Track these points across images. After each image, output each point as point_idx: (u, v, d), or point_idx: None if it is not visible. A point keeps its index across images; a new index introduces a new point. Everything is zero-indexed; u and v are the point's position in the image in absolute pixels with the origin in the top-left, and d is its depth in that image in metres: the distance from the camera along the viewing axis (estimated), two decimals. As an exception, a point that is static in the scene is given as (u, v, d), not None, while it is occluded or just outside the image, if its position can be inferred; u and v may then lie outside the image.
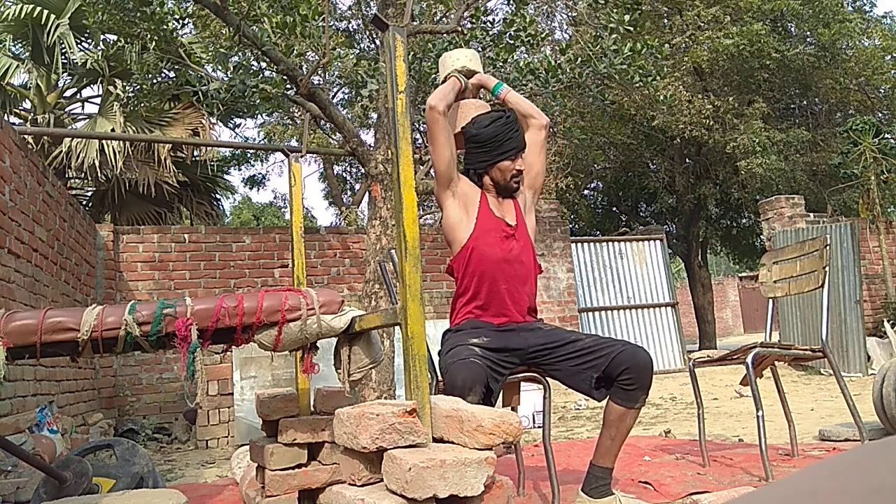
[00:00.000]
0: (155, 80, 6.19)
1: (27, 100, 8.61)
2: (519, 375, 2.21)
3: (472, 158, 2.31)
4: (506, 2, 10.18)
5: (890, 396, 2.96)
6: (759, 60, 9.38)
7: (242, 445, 4.11)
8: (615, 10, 5.53)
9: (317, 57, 6.02)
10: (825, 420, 4.13)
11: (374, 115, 6.15)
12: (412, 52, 5.97)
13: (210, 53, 8.10)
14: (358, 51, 10.65)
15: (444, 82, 2.37)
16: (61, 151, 7.72)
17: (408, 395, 1.52)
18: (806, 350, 2.77)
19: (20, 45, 8.52)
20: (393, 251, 2.52)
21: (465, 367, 1.95)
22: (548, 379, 2.24)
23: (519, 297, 2.22)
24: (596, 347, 2.10)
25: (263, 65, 5.51)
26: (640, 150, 11.24)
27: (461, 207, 2.27)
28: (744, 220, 13.14)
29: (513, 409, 2.39)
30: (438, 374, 2.30)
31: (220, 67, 6.81)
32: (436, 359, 2.30)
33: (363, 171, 5.75)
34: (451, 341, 2.16)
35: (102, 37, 7.81)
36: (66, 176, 8.31)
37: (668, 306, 8.40)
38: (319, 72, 5.73)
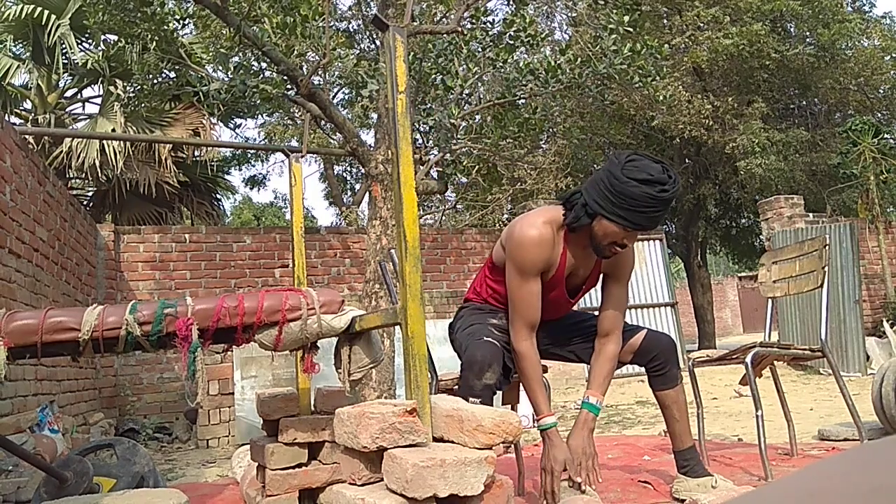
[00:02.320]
0: (155, 81, 6.20)
1: (28, 100, 8.62)
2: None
3: (595, 192, 1.88)
4: (506, 2, 10.19)
5: (889, 396, 2.96)
6: (759, 61, 9.38)
7: (243, 445, 4.12)
8: (615, 11, 5.53)
9: (317, 57, 6.03)
10: (824, 420, 4.13)
11: (375, 116, 6.16)
12: (412, 53, 5.98)
13: (210, 54, 8.11)
14: (358, 51, 10.66)
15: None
16: (62, 151, 7.72)
17: (408, 394, 1.53)
18: (805, 350, 2.77)
19: (21, 45, 8.53)
20: (393, 251, 2.52)
21: (485, 345, 1.97)
22: (547, 378, 2.26)
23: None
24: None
25: (264, 65, 5.52)
26: (639, 150, 11.23)
27: None
28: (743, 220, 13.14)
29: (513, 408, 2.40)
30: (438, 373, 2.31)
31: (220, 68, 6.82)
32: (436, 357, 2.30)
33: (363, 171, 5.76)
34: (469, 318, 2.15)
35: (103, 37, 7.81)
36: (67, 176, 8.32)
37: (667, 306, 8.40)
38: (320, 72, 5.73)
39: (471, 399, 1.88)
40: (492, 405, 1.97)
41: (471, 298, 2.27)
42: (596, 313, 2.16)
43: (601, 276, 2.12)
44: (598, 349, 2.08)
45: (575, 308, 2.28)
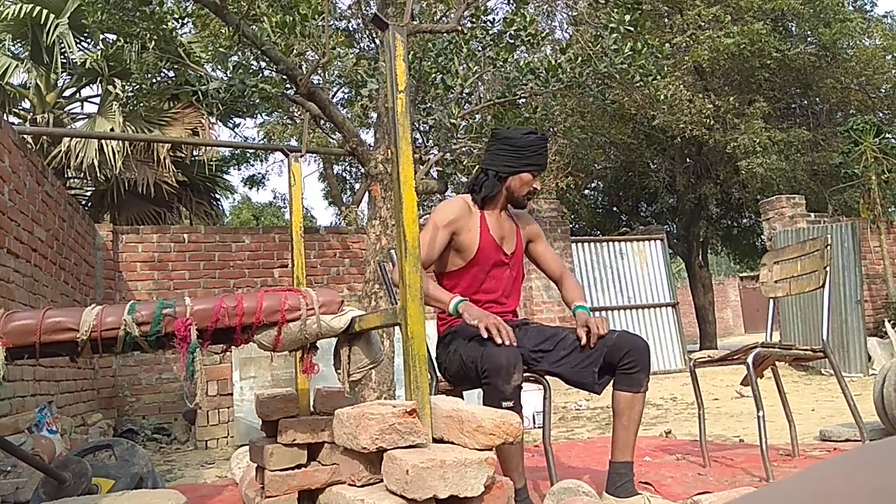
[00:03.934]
0: (154, 80, 6.19)
1: (26, 99, 8.60)
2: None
3: (499, 160, 2.27)
4: (506, 1, 10.18)
5: (891, 396, 2.95)
6: (760, 60, 9.37)
7: (242, 446, 4.10)
8: (615, 10, 5.52)
9: (316, 56, 6.02)
10: (826, 420, 4.12)
11: (374, 115, 6.15)
12: (412, 52, 5.97)
13: (209, 53, 8.10)
14: (358, 50, 10.65)
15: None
16: (60, 151, 7.71)
17: (408, 395, 1.51)
18: (807, 350, 2.76)
19: (19, 44, 8.52)
20: (393, 251, 2.51)
21: (505, 349, 1.92)
22: (547, 379, 2.24)
23: (502, 308, 2.32)
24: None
25: (263, 64, 5.51)
26: (640, 149, 11.24)
27: (456, 250, 2.28)
28: (744, 220, 13.13)
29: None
30: (438, 374, 2.29)
31: (219, 67, 6.80)
32: (436, 358, 2.29)
33: (363, 170, 5.75)
34: (463, 333, 2.10)
35: (102, 36, 7.80)
36: (66, 176, 8.31)
37: (668, 306, 8.39)
38: (319, 71, 5.72)
39: (504, 404, 1.84)
40: (521, 406, 1.96)
41: (442, 325, 2.30)
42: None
43: (526, 245, 2.45)
44: (563, 287, 2.44)
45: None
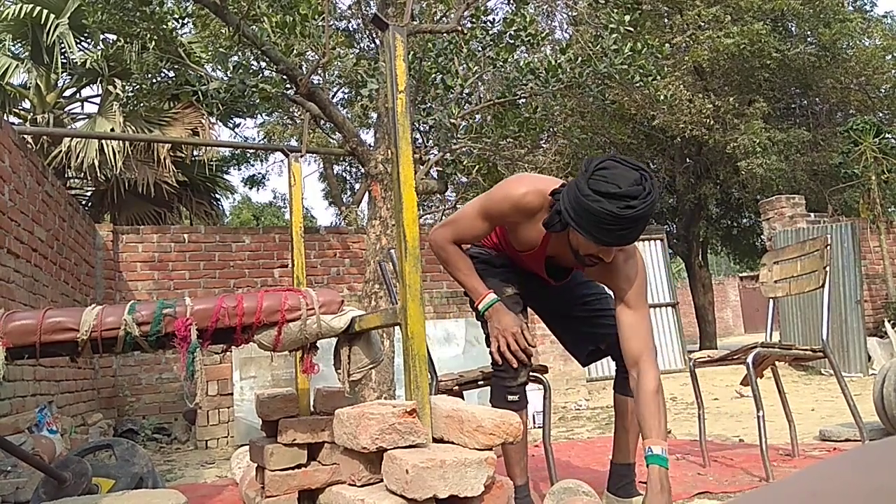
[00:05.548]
0: (154, 80, 6.19)
1: (26, 99, 8.61)
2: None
3: (566, 198, 1.67)
4: (506, 1, 10.19)
5: (890, 396, 2.95)
6: (760, 60, 9.37)
7: (242, 446, 4.10)
8: (615, 10, 5.52)
9: (316, 56, 6.02)
10: (826, 420, 4.12)
11: (374, 115, 6.15)
12: (412, 52, 5.97)
13: (210, 53, 8.11)
14: (358, 50, 10.66)
15: None
16: (61, 151, 7.72)
17: (408, 395, 1.52)
18: (806, 350, 2.76)
19: (20, 44, 8.53)
20: (393, 251, 2.51)
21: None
22: (547, 378, 2.25)
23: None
24: (605, 321, 2.05)
25: (263, 64, 5.51)
26: (640, 149, 11.24)
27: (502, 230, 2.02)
28: (744, 220, 13.14)
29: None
30: (438, 372, 2.30)
31: (219, 67, 6.81)
32: (435, 357, 2.29)
33: (363, 170, 5.75)
34: (482, 275, 2.04)
35: (102, 36, 7.81)
36: (66, 176, 8.31)
37: (668, 306, 8.39)
38: (319, 71, 5.73)
39: (509, 398, 1.93)
40: (527, 401, 2.02)
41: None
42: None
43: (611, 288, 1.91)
44: (636, 386, 1.74)
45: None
